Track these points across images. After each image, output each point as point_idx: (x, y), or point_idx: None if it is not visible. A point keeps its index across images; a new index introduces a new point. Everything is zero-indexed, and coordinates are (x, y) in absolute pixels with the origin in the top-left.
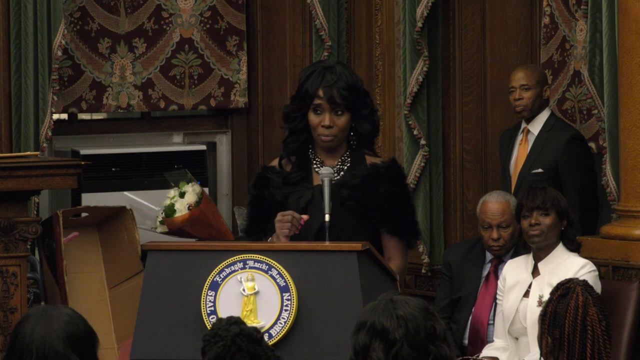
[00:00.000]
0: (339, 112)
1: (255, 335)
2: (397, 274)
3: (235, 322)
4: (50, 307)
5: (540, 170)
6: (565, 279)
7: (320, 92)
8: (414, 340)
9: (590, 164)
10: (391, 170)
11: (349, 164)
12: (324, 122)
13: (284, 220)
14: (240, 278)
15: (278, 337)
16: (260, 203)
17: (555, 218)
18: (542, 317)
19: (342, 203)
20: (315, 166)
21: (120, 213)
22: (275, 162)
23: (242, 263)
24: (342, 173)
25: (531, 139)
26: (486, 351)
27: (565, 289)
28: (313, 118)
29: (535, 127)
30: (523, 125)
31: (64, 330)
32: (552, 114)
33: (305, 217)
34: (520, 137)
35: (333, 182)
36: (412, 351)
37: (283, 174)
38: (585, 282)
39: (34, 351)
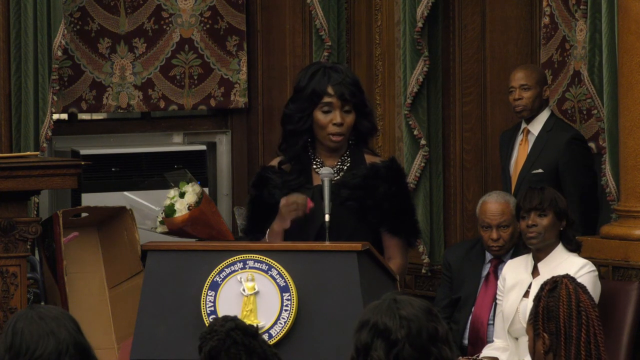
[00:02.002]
0: (348, 110)
1: (250, 329)
2: (398, 274)
3: (231, 319)
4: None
5: (540, 170)
6: (549, 278)
7: (330, 90)
8: (416, 341)
9: (591, 164)
10: (391, 170)
11: (348, 164)
12: (336, 119)
13: (289, 203)
14: (240, 278)
15: (278, 337)
16: (260, 203)
17: (553, 219)
18: (534, 318)
19: (342, 203)
20: (315, 167)
21: (120, 213)
22: (274, 162)
23: (242, 263)
24: (341, 173)
25: (531, 139)
26: (486, 351)
27: (552, 284)
28: (321, 117)
29: (536, 127)
30: (523, 125)
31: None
32: (552, 114)
33: (309, 203)
34: (520, 137)
35: (333, 182)
36: (413, 352)
37: (283, 174)
38: (568, 275)
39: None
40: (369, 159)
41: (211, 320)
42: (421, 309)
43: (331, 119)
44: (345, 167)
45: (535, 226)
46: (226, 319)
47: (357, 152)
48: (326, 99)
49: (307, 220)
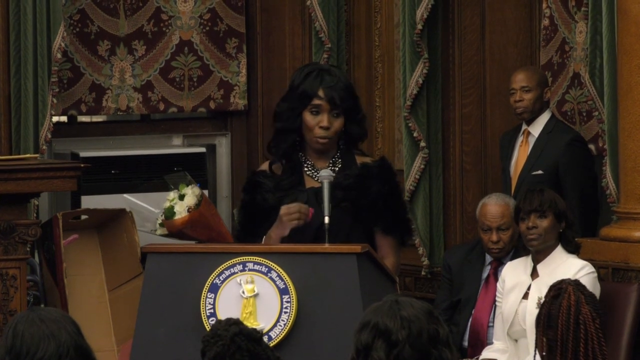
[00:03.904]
0: (336, 114)
1: (254, 334)
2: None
3: (234, 323)
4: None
5: (540, 172)
6: (558, 281)
7: (321, 93)
8: (417, 342)
9: (590, 166)
10: (382, 169)
11: (340, 165)
12: (322, 122)
13: (291, 212)
14: (240, 280)
15: (278, 340)
16: (253, 208)
17: (553, 220)
18: (537, 320)
19: (337, 205)
20: (306, 169)
21: (120, 215)
22: (264, 166)
23: (241, 265)
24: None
25: (531, 141)
26: (485, 353)
27: (557, 290)
28: (310, 119)
29: (536, 129)
30: (523, 127)
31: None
32: (552, 116)
33: (311, 212)
34: (520, 138)
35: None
36: (413, 353)
37: (275, 178)
38: (577, 282)
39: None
40: (359, 159)
41: (211, 322)
42: (422, 311)
43: (319, 122)
44: (337, 169)
45: (535, 228)
46: (229, 322)
47: (347, 154)
48: (316, 101)
49: (305, 223)
